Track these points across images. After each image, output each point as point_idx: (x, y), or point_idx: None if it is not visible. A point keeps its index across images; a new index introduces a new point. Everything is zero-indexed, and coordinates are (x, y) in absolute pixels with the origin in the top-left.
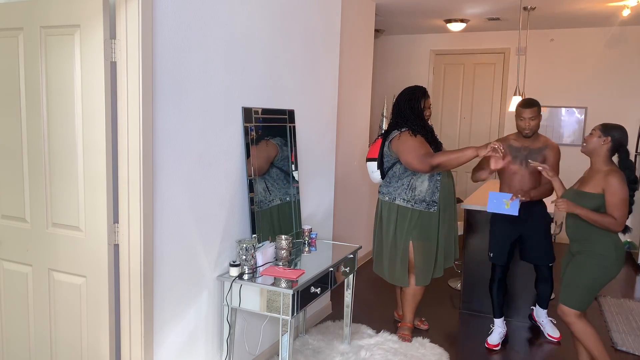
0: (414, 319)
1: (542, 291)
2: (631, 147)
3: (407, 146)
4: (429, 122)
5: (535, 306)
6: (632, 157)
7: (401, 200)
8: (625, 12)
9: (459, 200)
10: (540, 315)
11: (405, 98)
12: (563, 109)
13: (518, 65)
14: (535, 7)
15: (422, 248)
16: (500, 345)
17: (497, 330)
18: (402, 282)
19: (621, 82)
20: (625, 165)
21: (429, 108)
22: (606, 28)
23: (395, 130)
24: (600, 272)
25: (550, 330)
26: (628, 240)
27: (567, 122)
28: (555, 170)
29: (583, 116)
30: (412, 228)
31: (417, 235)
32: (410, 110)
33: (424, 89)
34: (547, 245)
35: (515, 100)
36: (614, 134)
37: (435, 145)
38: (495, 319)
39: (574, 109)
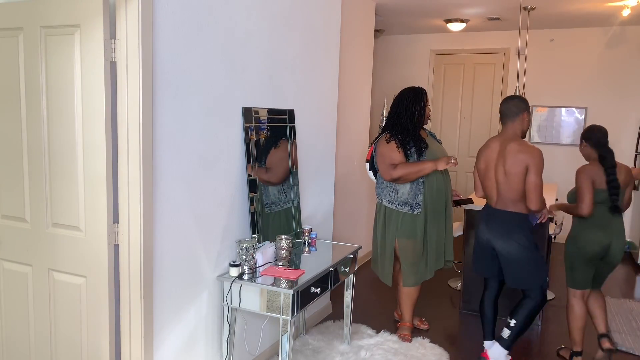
0: (412, 318)
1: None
2: (631, 147)
3: (379, 152)
4: (428, 120)
5: (491, 344)
6: (632, 157)
7: (387, 202)
8: (625, 12)
9: (469, 201)
10: (500, 357)
11: (407, 98)
12: (563, 109)
13: (518, 65)
14: (535, 7)
15: (407, 249)
16: None
17: None
18: (387, 280)
19: (621, 82)
20: (603, 156)
21: (428, 105)
22: (606, 28)
23: (382, 133)
24: (571, 249)
25: None
26: (628, 240)
27: (567, 122)
28: None
29: (583, 116)
30: (398, 229)
31: (403, 236)
32: (406, 111)
33: (420, 87)
34: None
35: None
36: (587, 136)
37: (418, 148)
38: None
39: (574, 109)
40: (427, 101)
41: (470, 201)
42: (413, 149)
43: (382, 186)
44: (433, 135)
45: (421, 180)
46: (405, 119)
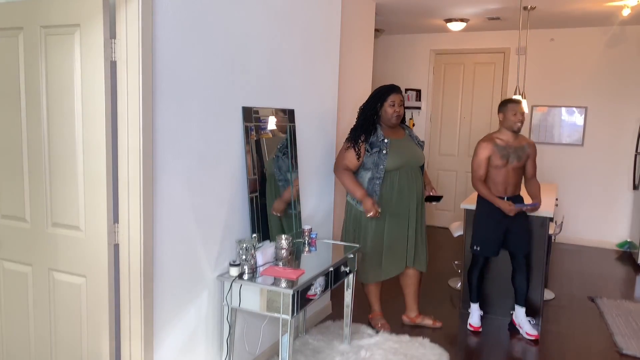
0: (380, 308)
1: (519, 284)
2: (631, 147)
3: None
4: (394, 119)
5: (514, 309)
6: (632, 157)
7: (349, 197)
8: (625, 12)
9: (439, 198)
10: (519, 315)
11: (372, 95)
12: (563, 109)
13: (518, 65)
14: (535, 7)
15: (364, 246)
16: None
17: (476, 314)
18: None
19: (621, 82)
20: None
21: (393, 106)
22: (606, 28)
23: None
24: None
25: (528, 329)
26: (628, 240)
27: (567, 122)
28: (534, 166)
29: (583, 116)
30: (353, 224)
31: (354, 233)
32: (361, 112)
33: (390, 85)
34: (527, 236)
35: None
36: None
37: (379, 150)
38: (472, 304)
39: (574, 109)
40: (398, 100)
41: (439, 198)
42: (368, 146)
43: None
44: (411, 135)
45: (378, 182)
46: (363, 116)
